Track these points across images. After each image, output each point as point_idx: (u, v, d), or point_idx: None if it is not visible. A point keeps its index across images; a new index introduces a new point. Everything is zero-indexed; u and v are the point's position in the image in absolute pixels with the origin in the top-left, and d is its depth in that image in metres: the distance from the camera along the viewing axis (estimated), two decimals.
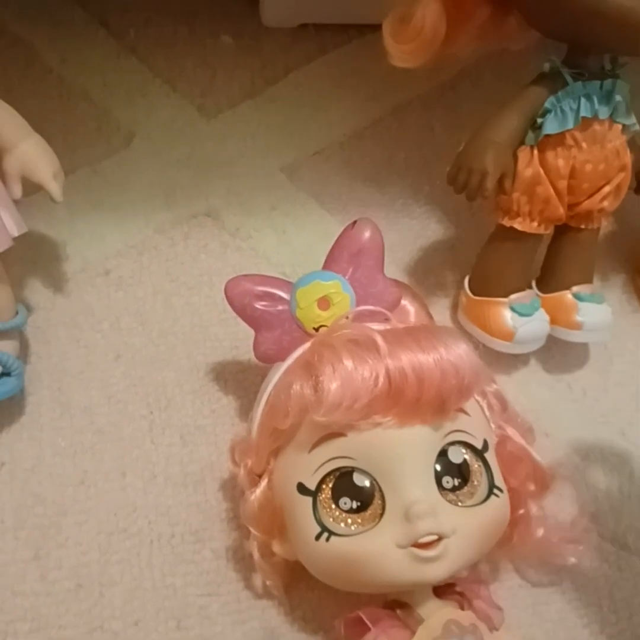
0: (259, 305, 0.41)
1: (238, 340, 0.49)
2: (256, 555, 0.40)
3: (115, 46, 0.57)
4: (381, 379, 0.36)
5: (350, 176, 0.57)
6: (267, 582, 0.41)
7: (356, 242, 0.42)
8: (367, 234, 0.42)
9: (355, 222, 0.42)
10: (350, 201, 0.56)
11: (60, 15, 0.57)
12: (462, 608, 0.38)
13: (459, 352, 0.37)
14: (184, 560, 0.43)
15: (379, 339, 0.37)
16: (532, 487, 0.42)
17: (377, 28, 0.60)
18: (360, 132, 0.59)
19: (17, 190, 0.41)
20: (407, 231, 0.55)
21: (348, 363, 0.36)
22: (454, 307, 0.53)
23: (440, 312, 0.52)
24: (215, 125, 0.56)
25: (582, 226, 0.49)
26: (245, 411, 0.47)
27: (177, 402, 0.47)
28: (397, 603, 0.39)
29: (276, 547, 0.40)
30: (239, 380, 0.48)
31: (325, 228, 0.55)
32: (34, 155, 0.41)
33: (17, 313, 0.44)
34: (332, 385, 0.36)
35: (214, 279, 0.51)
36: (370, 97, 0.60)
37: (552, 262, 0.51)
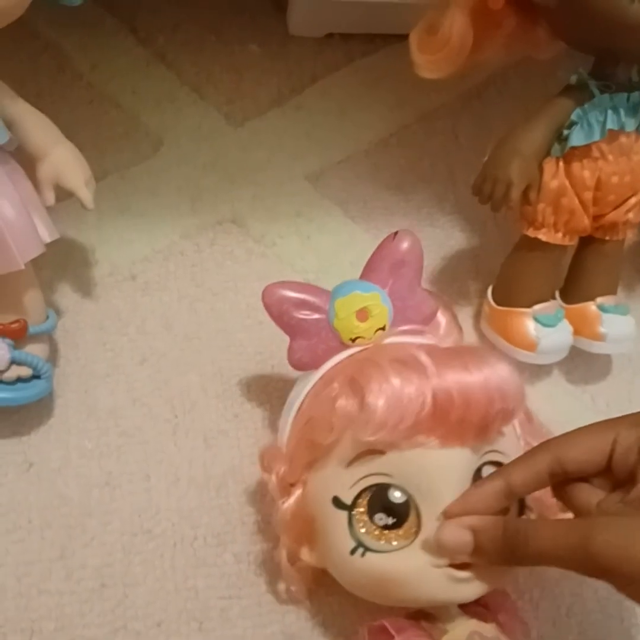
0: (296, 313, 0.41)
1: (262, 346, 0.50)
2: (284, 561, 0.41)
3: (144, 53, 0.58)
4: (427, 400, 0.36)
5: (375, 184, 0.57)
6: (292, 588, 0.42)
7: (396, 254, 0.42)
8: (407, 246, 0.42)
9: (396, 233, 0.42)
10: (374, 209, 0.56)
11: (90, 21, 0.58)
12: (486, 621, 0.39)
13: (503, 374, 0.37)
14: (206, 563, 0.43)
15: (425, 359, 0.37)
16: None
17: (403, 37, 0.61)
18: (385, 139, 0.59)
19: (50, 197, 0.42)
20: (432, 240, 0.55)
21: (395, 382, 0.36)
22: (477, 316, 0.53)
23: (464, 320, 0.52)
24: (242, 133, 0.57)
25: (607, 237, 0.49)
26: (267, 416, 0.48)
27: (201, 406, 0.48)
28: (421, 613, 0.39)
29: (305, 555, 0.40)
30: (262, 386, 0.49)
31: (349, 235, 0.55)
32: (67, 163, 0.42)
33: (47, 317, 0.44)
34: (379, 403, 0.36)
35: (238, 285, 0.52)
36: (395, 105, 0.60)
37: (577, 273, 0.51)
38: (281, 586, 0.42)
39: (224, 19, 0.60)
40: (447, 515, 0.36)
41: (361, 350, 0.41)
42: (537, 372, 0.51)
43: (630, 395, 0.52)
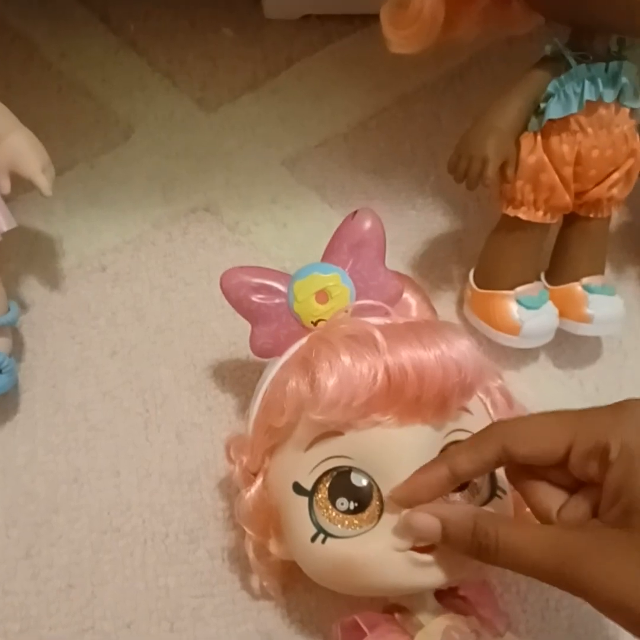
0: (255, 298, 0.40)
1: (236, 336, 0.48)
2: (251, 555, 0.39)
3: (114, 40, 0.57)
4: (380, 376, 0.34)
5: (354, 168, 0.56)
6: (264, 583, 0.40)
7: (356, 233, 0.40)
8: (368, 225, 0.40)
9: (355, 212, 0.41)
10: (353, 194, 0.55)
11: (59, 9, 0.57)
12: (465, 614, 0.37)
13: (461, 349, 0.36)
14: (178, 560, 0.42)
15: (378, 335, 0.35)
16: None
17: (379, 18, 0.60)
18: (364, 122, 0.57)
19: (6, 185, 0.41)
20: (412, 224, 0.54)
21: (345, 359, 0.35)
22: (460, 302, 0.51)
23: (446, 306, 0.51)
24: (215, 119, 0.56)
25: (591, 215, 0.47)
26: (242, 409, 0.46)
27: (173, 399, 0.46)
28: (396, 607, 0.37)
29: (272, 548, 0.39)
30: (236, 377, 0.47)
31: (327, 222, 0.53)
32: (22, 149, 0.41)
33: (8, 310, 0.43)
34: (329, 382, 0.35)
35: (212, 274, 0.51)
36: (375, 87, 0.58)
37: (561, 253, 0.49)
38: (253, 582, 0.41)
39: (196, 4, 0.59)
40: (393, 499, 0.34)
41: (313, 334, 0.39)
42: (523, 356, 0.49)
43: (620, 380, 0.50)
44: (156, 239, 0.51)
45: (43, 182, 0.41)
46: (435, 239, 0.54)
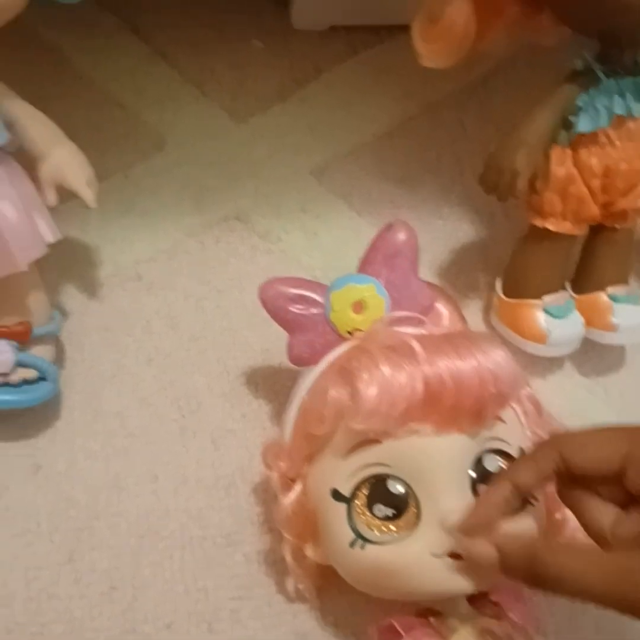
0: (293, 308, 0.41)
1: (269, 343, 0.49)
2: (289, 558, 0.40)
3: (145, 51, 0.58)
4: (418, 386, 0.35)
5: (381, 177, 0.56)
6: (300, 586, 0.41)
7: (391, 245, 0.41)
8: (402, 237, 0.41)
9: (390, 224, 0.42)
10: (380, 202, 0.55)
11: (90, 20, 0.57)
12: (497, 618, 0.38)
13: (497, 359, 0.37)
14: (215, 564, 0.43)
15: (416, 345, 0.36)
16: None
17: (407, 28, 0.60)
18: (391, 132, 0.58)
19: (52, 198, 0.42)
20: (439, 232, 0.55)
21: (385, 369, 0.36)
22: (487, 309, 0.52)
23: (473, 314, 0.52)
24: (245, 129, 0.57)
25: (617, 226, 0.48)
26: (276, 415, 0.47)
27: (208, 405, 0.47)
28: (430, 611, 0.38)
29: (309, 551, 0.40)
30: (269, 384, 0.48)
31: (355, 230, 0.54)
32: (68, 163, 0.42)
33: (52, 318, 0.44)
34: (369, 391, 0.36)
35: (244, 282, 0.52)
36: (401, 96, 0.59)
37: (587, 263, 0.50)
38: (289, 585, 0.42)
39: (225, 15, 0.60)
40: (463, 531, 0.35)
41: (351, 344, 0.40)
42: (548, 364, 0.50)
43: None
44: (189, 247, 0.52)
45: (88, 194, 0.42)
46: (461, 247, 0.55)
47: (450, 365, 0.36)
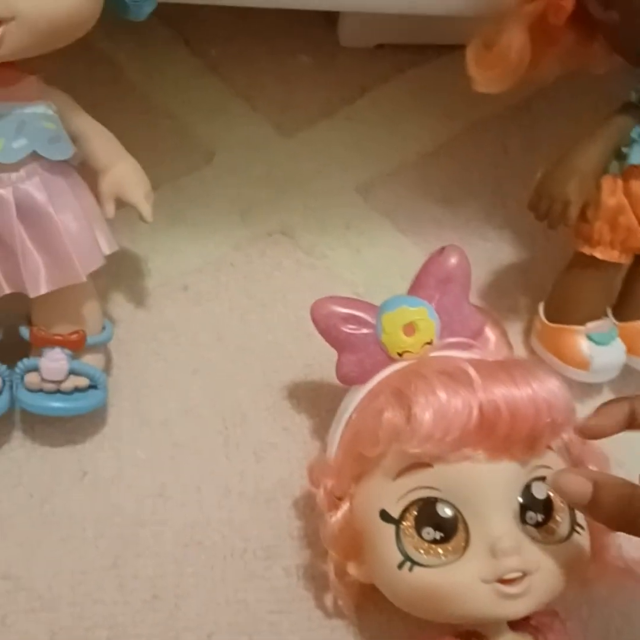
0: (344, 327, 0.42)
1: (311, 359, 0.50)
2: (332, 576, 0.41)
3: (197, 64, 0.59)
4: (474, 413, 0.36)
5: (424, 196, 0.57)
6: (339, 602, 0.42)
7: (444, 269, 0.42)
8: (455, 261, 0.42)
9: (443, 248, 0.42)
10: (424, 221, 0.56)
11: (145, 32, 0.58)
12: None
13: (552, 388, 0.37)
14: (255, 576, 0.43)
15: (472, 372, 0.37)
16: None
17: (453, 48, 0.61)
18: (435, 151, 0.59)
19: (111, 210, 0.43)
20: (481, 253, 0.55)
21: (441, 395, 0.36)
22: (527, 332, 0.53)
23: (513, 336, 0.51)
24: (293, 144, 0.57)
25: None
26: (316, 429, 0.48)
27: (252, 418, 0.48)
28: (470, 633, 0.39)
29: (352, 569, 0.40)
30: (311, 399, 0.49)
31: (398, 248, 0.55)
32: (129, 177, 0.43)
33: (104, 328, 0.45)
34: (425, 416, 0.36)
35: (288, 296, 0.52)
36: (445, 116, 0.60)
37: (630, 290, 0.50)
38: (328, 600, 0.43)
39: (275, 31, 0.60)
40: (581, 430, 0.37)
41: (408, 364, 0.41)
42: (587, 390, 0.50)
43: None
44: (235, 260, 0.53)
45: (146, 209, 0.43)
46: (502, 269, 0.55)
47: (506, 393, 0.36)
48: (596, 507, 0.34)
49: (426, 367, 0.39)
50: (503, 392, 0.36)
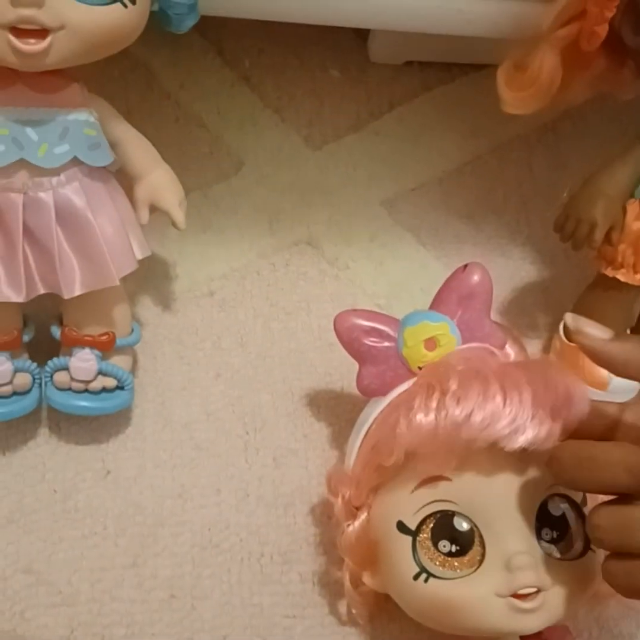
0: (366, 340, 0.42)
1: (332, 368, 0.51)
2: (347, 584, 0.41)
3: (229, 74, 0.60)
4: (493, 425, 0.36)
5: (448, 212, 0.58)
6: (353, 611, 0.42)
7: (466, 286, 0.43)
8: (477, 278, 0.43)
9: (466, 265, 0.43)
10: (446, 237, 0.57)
11: (180, 41, 0.59)
12: None
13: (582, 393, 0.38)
14: (271, 581, 0.44)
15: (494, 382, 0.37)
16: None
17: (480, 67, 0.62)
18: (459, 168, 0.59)
19: (146, 216, 0.44)
20: (502, 270, 0.56)
21: (460, 407, 0.37)
22: (546, 350, 0.53)
23: (532, 354, 0.52)
24: (320, 156, 0.58)
25: None
26: (335, 438, 0.49)
27: (272, 424, 0.49)
28: None
29: (367, 579, 0.41)
30: (331, 407, 0.50)
31: (421, 262, 0.56)
32: (164, 184, 0.43)
33: (132, 330, 0.46)
34: (442, 428, 0.36)
35: (311, 305, 0.53)
36: (471, 134, 0.60)
37: None
38: (342, 608, 0.43)
39: (307, 44, 0.61)
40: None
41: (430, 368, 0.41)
42: None
43: None
44: (261, 268, 0.54)
45: (179, 215, 0.44)
46: (523, 287, 0.56)
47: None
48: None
49: (446, 376, 0.39)
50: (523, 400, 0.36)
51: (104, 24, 0.36)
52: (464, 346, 0.42)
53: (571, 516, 0.39)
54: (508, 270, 0.56)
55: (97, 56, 0.39)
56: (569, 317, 0.37)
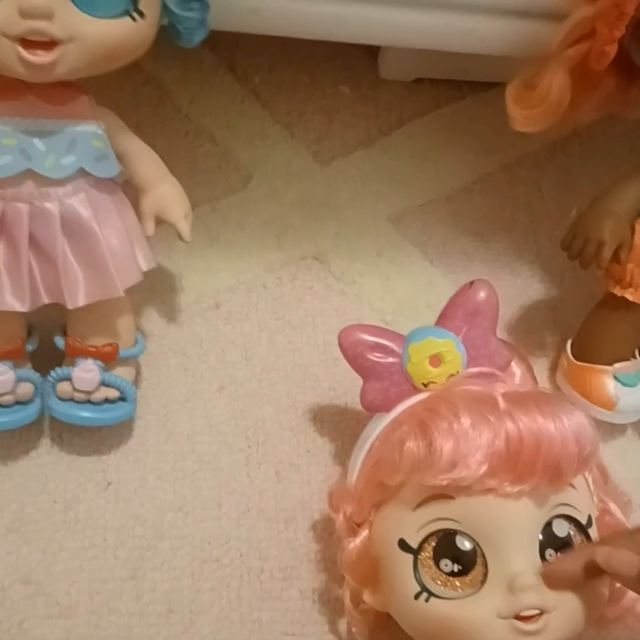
0: (371, 355, 0.42)
1: (336, 383, 0.50)
2: (347, 602, 0.41)
3: (240, 90, 0.60)
4: (498, 443, 0.36)
5: (456, 229, 0.58)
6: (353, 629, 0.42)
7: (472, 303, 0.42)
8: (483, 295, 0.42)
9: (472, 282, 0.43)
10: (454, 254, 0.57)
11: (191, 57, 0.60)
12: None
13: (579, 421, 0.37)
14: (271, 597, 0.44)
15: (500, 401, 0.37)
16: None
17: (490, 85, 0.62)
18: (468, 186, 0.59)
19: (151, 228, 0.44)
20: (510, 288, 0.55)
21: (465, 421, 0.36)
22: (553, 369, 0.53)
23: (539, 372, 0.52)
24: (329, 172, 0.58)
25: None
26: (338, 453, 0.48)
27: (275, 438, 0.48)
28: None
29: (367, 597, 0.40)
30: (334, 422, 0.49)
31: (428, 278, 0.56)
32: (171, 197, 0.44)
33: (136, 342, 0.46)
34: (446, 446, 0.36)
35: (317, 320, 0.53)
36: (480, 152, 0.61)
37: None
38: (342, 625, 0.43)
39: (317, 61, 0.62)
40: (543, 574, 0.36)
41: (435, 391, 0.41)
42: (611, 430, 0.50)
43: None
44: (267, 282, 0.54)
45: (185, 228, 0.44)
46: (531, 305, 0.56)
47: (533, 423, 0.36)
48: None
49: (453, 392, 0.39)
50: (530, 422, 0.36)
51: (112, 36, 0.36)
52: (473, 370, 0.42)
53: (576, 537, 0.38)
54: (516, 288, 0.56)
55: (105, 68, 0.39)
56: (600, 556, 0.35)
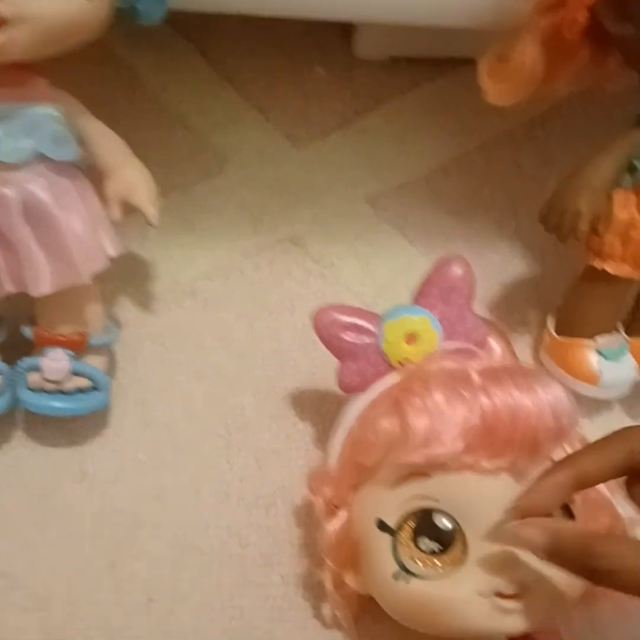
0: (345, 336, 0.41)
1: (315, 367, 0.50)
2: (329, 586, 0.40)
3: (213, 75, 0.59)
4: (473, 417, 0.35)
5: (435, 209, 0.57)
6: (336, 613, 0.41)
7: (447, 279, 0.42)
8: (459, 271, 0.42)
9: (447, 258, 0.42)
10: (433, 234, 0.56)
11: (163, 43, 0.59)
12: None
13: (556, 394, 0.37)
14: (252, 583, 0.43)
15: (474, 374, 0.37)
16: None
17: (468, 62, 0.60)
18: (446, 165, 0.59)
19: (117, 213, 0.43)
20: (491, 266, 0.55)
21: (439, 398, 0.36)
22: (536, 346, 0.52)
23: (522, 350, 0.51)
24: (305, 154, 0.58)
25: None
26: (319, 438, 0.48)
27: (254, 424, 0.48)
28: None
29: (349, 580, 0.40)
30: (315, 407, 0.49)
31: (407, 260, 0.55)
32: (135, 181, 0.43)
33: (108, 330, 0.45)
34: (419, 423, 0.36)
35: (295, 304, 0.52)
36: (458, 131, 0.60)
37: None
38: (325, 610, 0.42)
39: (291, 42, 0.61)
40: (518, 511, 0.34)
41: (410, 368, 0.40)
42: (597, 405, 0.50)
43: None
44: (244, 267, 0.53)
45: (152, 212, 0.43)
46: (512, 282, 0.55)
47: (508, 397, 0.36)
48: (557, 557, 0.33)
49: (427, 370, 0.38)
50: (505, 395, 0.36)
51: (63, 14, 0.36)
52: (449, 346, 0.41)
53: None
54: (497, 265, 0.55)
55: (59, 48, 0.38)
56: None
